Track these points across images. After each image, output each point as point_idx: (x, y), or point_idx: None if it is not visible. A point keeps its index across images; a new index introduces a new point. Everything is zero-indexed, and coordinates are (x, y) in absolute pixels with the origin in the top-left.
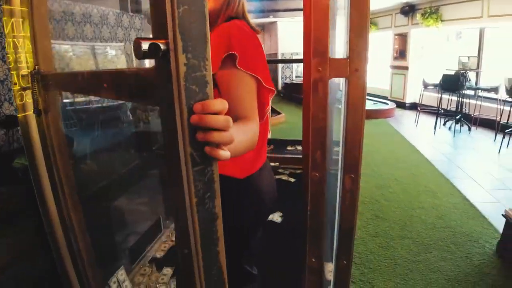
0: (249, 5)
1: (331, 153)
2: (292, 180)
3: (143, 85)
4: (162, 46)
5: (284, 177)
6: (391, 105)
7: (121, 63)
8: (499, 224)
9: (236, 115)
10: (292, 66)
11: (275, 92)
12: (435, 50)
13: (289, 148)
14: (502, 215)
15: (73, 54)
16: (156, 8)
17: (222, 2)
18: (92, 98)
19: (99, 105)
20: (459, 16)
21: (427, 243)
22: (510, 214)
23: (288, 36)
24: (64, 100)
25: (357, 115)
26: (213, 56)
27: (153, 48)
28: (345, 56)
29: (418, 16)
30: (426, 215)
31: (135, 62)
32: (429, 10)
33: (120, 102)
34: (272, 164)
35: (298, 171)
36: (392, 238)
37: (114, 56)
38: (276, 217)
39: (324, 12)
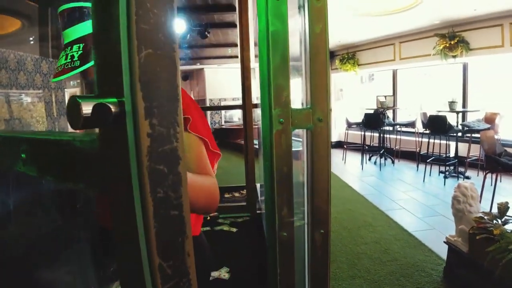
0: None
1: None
2: (234, 230)
3: (80, 162)
4: (113, 108)
5: (225, 228)
6: None
7: (38, 111)
8: (440, 250)
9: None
10: (220, 111)
11: (221, 156)
12: (352, 92)
13: (226, 195)
14: (444, 242)
15: None
16: (104, 51)
17: None
18: None
19: None
20: (374, 60)
21: (378, 279)
22: (452, 240)
23: (216, 82)
24: None
25: (323, 167)
26: None
27: (100, 111)
28: (305, 105)
29: (337, 62)
30: (370, 250)
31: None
32: (346, 56)
33: None
34: (211, 214)
35: (239, 220)
36: (343, 279)
37: (30, 103)
38: (223, 273)
39: (285, 58)
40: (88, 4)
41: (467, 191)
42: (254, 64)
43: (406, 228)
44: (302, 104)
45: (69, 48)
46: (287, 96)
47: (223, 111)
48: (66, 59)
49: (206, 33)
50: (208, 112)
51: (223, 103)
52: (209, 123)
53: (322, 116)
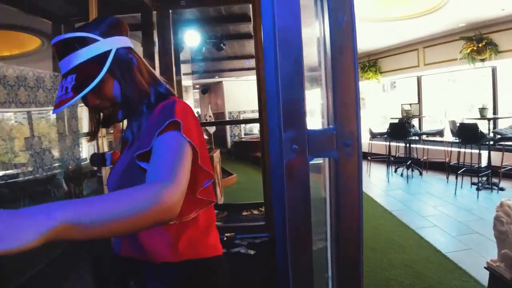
0: (195, 66)
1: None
2: (252, 252)
3: None
4: None
5: (243, 250)
6: None
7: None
8: (478, 274)
9: (151, 177)
10: (240, 125)
11: (213, 178)
12: (374, 101)
13: (244, 213)
14: (485, 267)
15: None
16: None
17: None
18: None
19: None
20: (397, 67)
21: None
22: (493, 266)
23: (234, 95)
24: None
25: (352, 209)
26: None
27: None
28: (326, 125)
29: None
30: (401, 276)
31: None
32: (367, 64)
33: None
34: (227, 234)
35: (257, 241)
36: None
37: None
38: None
39: (298, 62)
40: (79, 34)
41: (511, 211)
42: None
43: (439, 248)
44: (323, 124)
45: (64, 79)
46: (302, 114)
47: (242, 124)
48: (61, 90)
49: (222, 45)
50: (228, 125)
51: (242, 116)
52: (228, 135)
53: (351, 139)
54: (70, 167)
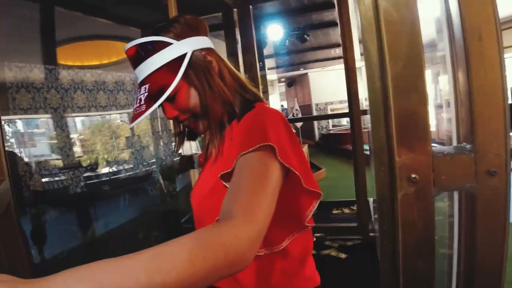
0: (279, 60)
1: None
2: (343, 256)
3: None
4: None
5: (333, 253)
6: None
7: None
8: None
9: (224, 212)
10: (326, 112)
11: (321, 196)
12: None
13: (335, 211)
14: None
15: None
16: None
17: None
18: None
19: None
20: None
21: None
22: None
23: (320, 86)
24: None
25: (495, 247)
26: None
27: None
28: (454, 142)
29: None
30: None
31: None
32: None
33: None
34: (317, 235)
35: (349, 243)
36: None
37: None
38: None
39: (416, 59)
40: (149, 39)
41: None
42: (360, 63)
43: None
44: (451, 142)
45: (139, 89)
46: (424, 130)
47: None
48: (136, 102)
49: (306, 35)
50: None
51: (329, 107)
52: (316, 128)
53: (497, 165)
54: (164, 163)
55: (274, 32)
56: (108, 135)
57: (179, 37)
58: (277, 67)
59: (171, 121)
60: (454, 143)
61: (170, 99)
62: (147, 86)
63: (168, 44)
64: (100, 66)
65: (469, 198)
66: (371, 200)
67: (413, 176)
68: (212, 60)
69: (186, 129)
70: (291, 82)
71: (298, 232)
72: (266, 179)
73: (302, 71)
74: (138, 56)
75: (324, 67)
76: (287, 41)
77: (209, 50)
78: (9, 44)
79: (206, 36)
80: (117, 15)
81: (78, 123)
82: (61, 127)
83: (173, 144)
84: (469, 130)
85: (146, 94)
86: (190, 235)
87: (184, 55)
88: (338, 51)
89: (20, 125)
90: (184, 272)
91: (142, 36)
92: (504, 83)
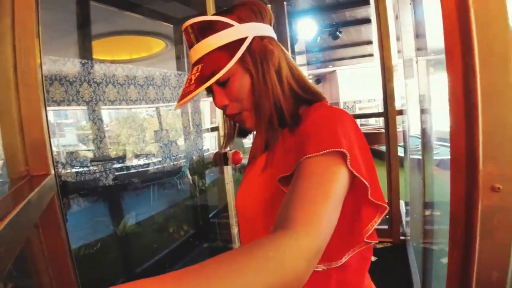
0: (309, 56)
1: None
2: (373, 258)
3: None
4: None
5: None
6: None
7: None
8: None
9: (281, 221)
10: (354, 112)
11: (387, 210)
12: None
13: None
14: None
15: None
16: None
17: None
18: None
19: (150, 168)
20: None
21: None
22: None
23: (349, 84)
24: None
25: None
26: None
27: None
28: None
29: None
30: None
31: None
32: None
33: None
34: None
35: (379, 246)
36: None
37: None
38: None
39: (509, 64)
40: (210, 18)
41: None
42: (397, 60)
43: None
44: None
45: (192, 69)
46: (511, 140)
47: (356, 112)
48: (186, 82)
49: (338, 32)
50: None
51: (357, 106)
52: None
53: None
54: (194, 157)
55: (307, 28)
56: (137, 128)
57: (242, 20)
58: (307, 64)
59: (200, 116)
60: None
61: (222, 83)
62: (200, 66)
63: (230, 25)
64: (131, 61)
65: None
66: (402, 202)
67: (497, 186)
68: (273, 50)
69: (237, 124)
70: (319, 79)
71: (359, 248)
72: (332, 187)
73: (330, 68)
74: (196, 34)
75: (353, 65)
76: (319, 38)
77: (272, 39)
78: (43, 37)
79: (271, 25)
80: (149, 10)
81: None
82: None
83: (221, 139)
84: None
85: (198, 74)
86: (242, 251)
87: (244, 39)
88: (369, 49)
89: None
90: None
91: (176, 32)
92: None
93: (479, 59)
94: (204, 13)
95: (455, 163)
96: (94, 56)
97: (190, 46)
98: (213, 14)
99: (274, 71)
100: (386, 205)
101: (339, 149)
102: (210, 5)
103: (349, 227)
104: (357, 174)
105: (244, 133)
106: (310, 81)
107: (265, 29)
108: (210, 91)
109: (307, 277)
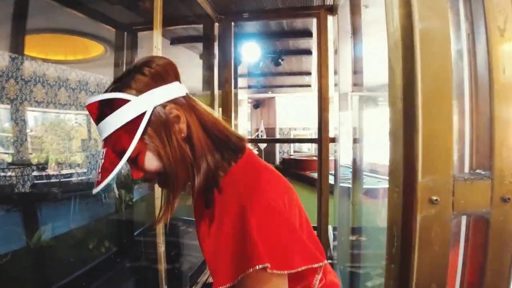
0: (250, 80)
1: None
2: None
3: None
4: None
5: None
6: None
7: None
8: None
9: None
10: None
11: (323, 263)
12: None
13: None
14: None
15: None
16: None
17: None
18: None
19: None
20: None
21: None
22: None
23: (286, 111)
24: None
25: (501, 278)
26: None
27: None
28: (470, 166)
29: None
30: None
31: None
32: None
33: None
34: None
35: None
36: None
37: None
38: None
39: (446, 79)
40: (106, 96)
41: None
42: (333, 93)
43: None
44: (471, 168)
45: (102, 152)
46: (447, 154)
47: (299, 143)
48: (98, 167)
49: (280, 60)
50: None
51: (292, 132)
52: (277, 152)
53: (511, 192)
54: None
55: (252, 51)
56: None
57: (139, 91)
58: (249, 87)
59: None
60: (466, 169)
61: (132, 161)
62: (104, 151)
63: (126, 101)
64: (65, 62)
65: (477, 221)
66: (330, 227)
67: (435, 198)
68: (179, 115)
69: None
70: (257, 104)
71: None
72: None
73: (270, 94)
74: (96, 115)
75: (292, 93)
76: (261, 62)
77: (176, 103)
78: None
79: (177, 81)
80: (93, 10)
81: None
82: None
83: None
84: (483, 155)
85: (103, 161)
86: None
87: (143, 114)
88: (307, 79)
89: None
90: None
91: (118, 37)
92: None
93: (421, 78)
94: (150, 21)
95: (393, 176)
96: (27, 53)
97: (96, 124)
98: (112, 87)
99: (182, 139)
100: (324, 260)
101: (264, 265)
102: (158, 13)
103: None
104: (290, 271)
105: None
106: (231, 128)
107: (168, 93)
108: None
109: None
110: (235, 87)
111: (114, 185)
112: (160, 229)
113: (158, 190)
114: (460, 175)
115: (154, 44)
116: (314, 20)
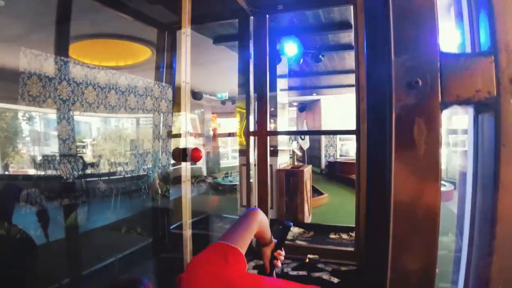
0: (292, 81)
1: None
2: (336, 280)
3: None
4: None
5: (325, 276)
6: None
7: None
8: None
9: None
10: (336, 144)
11: None
12: None
13: (332, 236)
14: None
15: None
16: None
17: None
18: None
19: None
20: None
21: None
22: None
23: (332, 114)
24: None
25: None
26: None
27: None
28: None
29: None
30: None
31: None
32: None
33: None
34: (310, 256)
35: (343, 268)
36: None
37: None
38: None
39: None
40: None
41: None
42: None
43: None
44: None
45: None
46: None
47: (338, 144)
48: None
49: (321, 55)
50: (323, 144)
51: (339, 137)
52: (323, 155)
53: None
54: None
55: (289, 48)
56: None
57: None
58: (289, 88)
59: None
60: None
61: None
62: None
63: None
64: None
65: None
66: None
67: (416, 79)
68: None
69: None
70: (303, 107)
71: None
72: None
73: (315, 96)
74: None
75: (337, 94)
76: (301, 59)
77: None
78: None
79: None
80: (136, 11)
81: None
82: None
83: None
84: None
85: None
86: None
87: None
88: (353, 78)
89: None
90: None
91: (160, 37)
92: None
93: None
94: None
95: (371, 57)
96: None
97: None
98: None
99: None
100: None
101: None
102: (186, 12)
103: None
104: None
105: None
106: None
107: None
108: None
109: None
110: (274, 90)
111: (155, 175)
112: (187, 218)
113: (186, 171)
114: (448, 53)
115: (182, 45)
116: (352, 8)
